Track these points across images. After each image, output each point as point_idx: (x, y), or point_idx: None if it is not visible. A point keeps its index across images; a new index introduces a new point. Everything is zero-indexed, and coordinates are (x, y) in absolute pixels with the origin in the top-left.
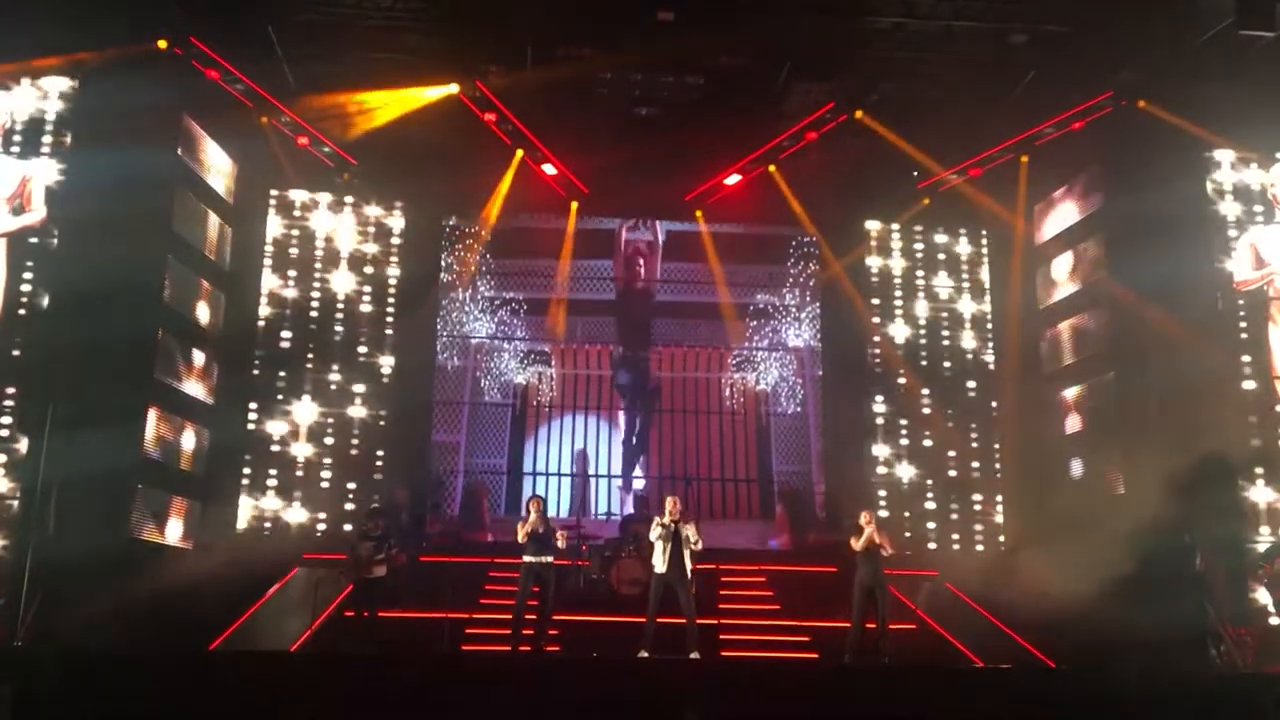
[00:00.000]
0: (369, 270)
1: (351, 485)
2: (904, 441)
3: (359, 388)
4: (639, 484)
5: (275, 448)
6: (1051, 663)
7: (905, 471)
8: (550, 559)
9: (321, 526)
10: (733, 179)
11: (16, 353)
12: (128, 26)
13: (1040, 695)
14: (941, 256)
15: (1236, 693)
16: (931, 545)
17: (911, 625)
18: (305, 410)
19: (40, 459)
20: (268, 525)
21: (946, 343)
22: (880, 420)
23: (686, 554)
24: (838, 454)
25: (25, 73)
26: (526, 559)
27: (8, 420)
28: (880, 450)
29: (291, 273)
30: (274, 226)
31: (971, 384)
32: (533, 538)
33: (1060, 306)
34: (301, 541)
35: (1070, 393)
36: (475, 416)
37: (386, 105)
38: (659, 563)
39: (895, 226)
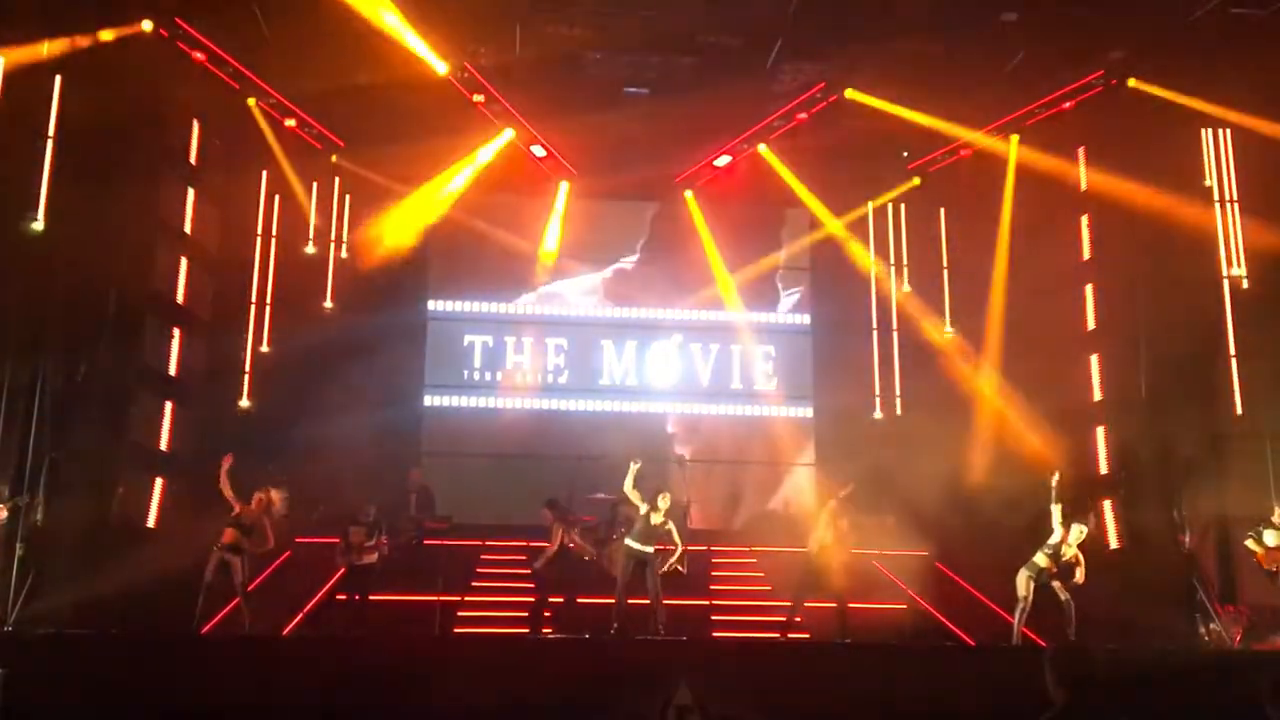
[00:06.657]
0: (360, 252)
1: (344, 469)
2: (899, 419)
3: (351, 368)
4: None
5: (266, 431)
6: (1042, 641)
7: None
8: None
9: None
10: (723, 160)
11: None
12: (112, 8)
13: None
14: (932, 236)
15: (1226, 671)
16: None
17: (902, 604)
18: (296, 392)
19: (28, 443)
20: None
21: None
22: (876, 399)
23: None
24: (834, 431)
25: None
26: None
27: None
28: (875, 428)
29: (281, 255)
30: (263, 209)
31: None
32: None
33: (1051, 287)
34: (293, 525)
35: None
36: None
37: (375, 86)
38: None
39: (887, 206)
